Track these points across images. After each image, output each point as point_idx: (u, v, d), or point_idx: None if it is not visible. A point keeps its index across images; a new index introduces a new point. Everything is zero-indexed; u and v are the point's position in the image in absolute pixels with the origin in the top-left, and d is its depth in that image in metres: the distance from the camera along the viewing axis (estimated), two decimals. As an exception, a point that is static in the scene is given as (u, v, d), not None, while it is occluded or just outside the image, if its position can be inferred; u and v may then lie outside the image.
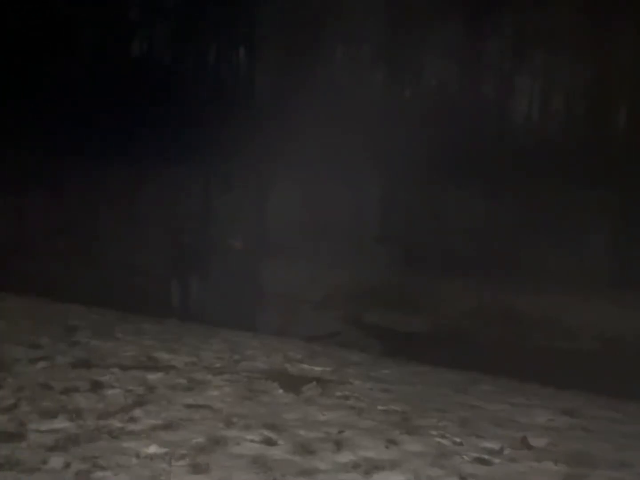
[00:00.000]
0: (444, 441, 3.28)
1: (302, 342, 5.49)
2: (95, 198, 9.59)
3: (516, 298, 8.53)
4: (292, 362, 4.61)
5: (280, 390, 3.92)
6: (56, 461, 2.84)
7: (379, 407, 3.75)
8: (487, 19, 15.68)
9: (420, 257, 9.65)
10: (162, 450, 2.96)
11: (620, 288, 8.64)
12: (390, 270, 9.27)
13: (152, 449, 2.96)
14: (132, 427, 3.24)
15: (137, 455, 2.91)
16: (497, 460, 3.09)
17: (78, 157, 8.62)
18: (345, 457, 3.02)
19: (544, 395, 4.48)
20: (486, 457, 3.12)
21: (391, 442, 3.21)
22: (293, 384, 4.04)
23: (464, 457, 3.10)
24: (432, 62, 17.27)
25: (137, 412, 3.42)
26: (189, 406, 3.55)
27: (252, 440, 3.13)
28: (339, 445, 3.14)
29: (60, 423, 3.25)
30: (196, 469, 2.82)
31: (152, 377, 4.00)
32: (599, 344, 7.37)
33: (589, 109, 15.01)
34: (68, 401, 3.55)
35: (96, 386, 3.79)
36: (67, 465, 2.81)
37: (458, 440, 3.31)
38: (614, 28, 13.10)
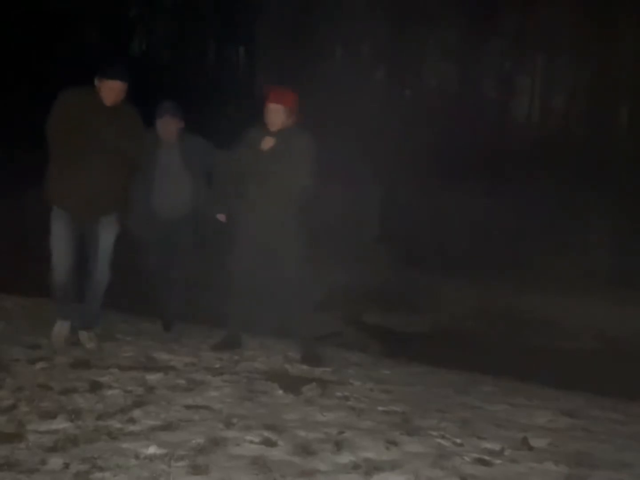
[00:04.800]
0: (444, 442, 3.27)
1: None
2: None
3: (516, 298, 8.56)
4: (292, 363, 4.60)
5: (280, 391, 3.91)
6: (55, 462, 2.83)
7: (379, 408, 3.75)
8: (488, 19, 15.65)
9: (420, 257, 9.68)
10: (162, 451, 2.95)
11: (620, 288, 8.67)
12: (390, 270, 9.29)
13: (152, 449, 2.95)
14: (131, 427, 3.22)
15: (137, 456, 2.90)
16: (497, 461, 3.08)
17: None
18: (345, 458, 3.01)
19: (545, 395, 4.47)
20: (487, 457, 3.11)
21: (391, 443, 3.20)
22: (293, 384, 4.03)
23: (465, 458, 3.09)
24: (432, 62, 17.27)
25: (136, 413, 3.40)
26: (189, 407, 3.54)
27: (251, 441, 3.12)
28: (339, 446, 3.13)
29: (59, 424, 3.24)
30: (196, 469, 2.81)
31: (152, 377, 3.99)
32: (600, 344, 7.38)
33: (589, 109, 14.99)
34: (67, 402, 3.53)
35: (95, 387, 3.78)
36: (66, 466, 2.80)
37: (458, 441, 3.30)
38: (614, 28, 13.09)
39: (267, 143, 4.46)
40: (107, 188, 4.34)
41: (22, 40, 15.73)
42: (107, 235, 4.51)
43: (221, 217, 4.86)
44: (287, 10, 15.08)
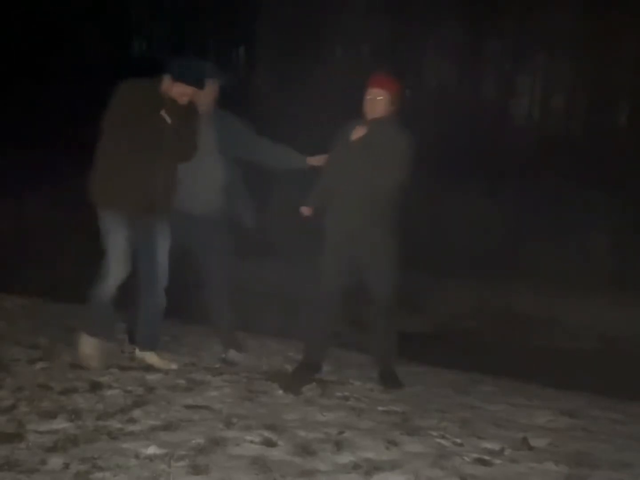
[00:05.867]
0: (444, 442, 3.28)
1: (302, 342, 5.46)
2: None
3: (516, 298, 8.56)
4: (291, 363, 4.60)
5: (280, 391, 3.91)
6: (55, 462, 2.83)
7: (379, 408, 3.75)
8: (488, 19, 15.65)
9: (420, 257, 9.67)
10: (162, 451, 2.95)
11: (620, 288, 8.67)
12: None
13: (152, 449, 2.95)
14: (131, 427, 3.23)
15: (137, 456, 2.90)
16: (497, 461, 3.09)
17: (76, 155, 8.58)
18: (345, 458, 3.01)
19: (545, 395, 4.48)
20: (486, 457, 3.11)
21: (391, 443, 3.20)
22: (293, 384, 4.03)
23: (465, 457, 3.09)
24: (432, 62, 17.26)
25: (136, 413, 3.40)
26: (189, 407, 3.54)
27: (251, 441, 3.12)
28: (339, 446, 3.13)
29: (59, 424, 3.24)
30: (196, 469, 2.81)
31: (152, 377, 4.00)
32: (600, 344, 7.39)
33: (589, 109, 14.99)
34: (67, 402, 3.53)
35: (95, 387, 3.78)
36: (66, 466, 2.81)
37: (458, 441, 3.30)
38: (614, 28, 13.08)
39: (357, 132, 4.05)
40: (164, 187, 4.01)
41: (22, 40, 15.73)
42: (163, 245, 4.12)
43: (305, 210, 4.24)
44: (287, 11, 15.08)
